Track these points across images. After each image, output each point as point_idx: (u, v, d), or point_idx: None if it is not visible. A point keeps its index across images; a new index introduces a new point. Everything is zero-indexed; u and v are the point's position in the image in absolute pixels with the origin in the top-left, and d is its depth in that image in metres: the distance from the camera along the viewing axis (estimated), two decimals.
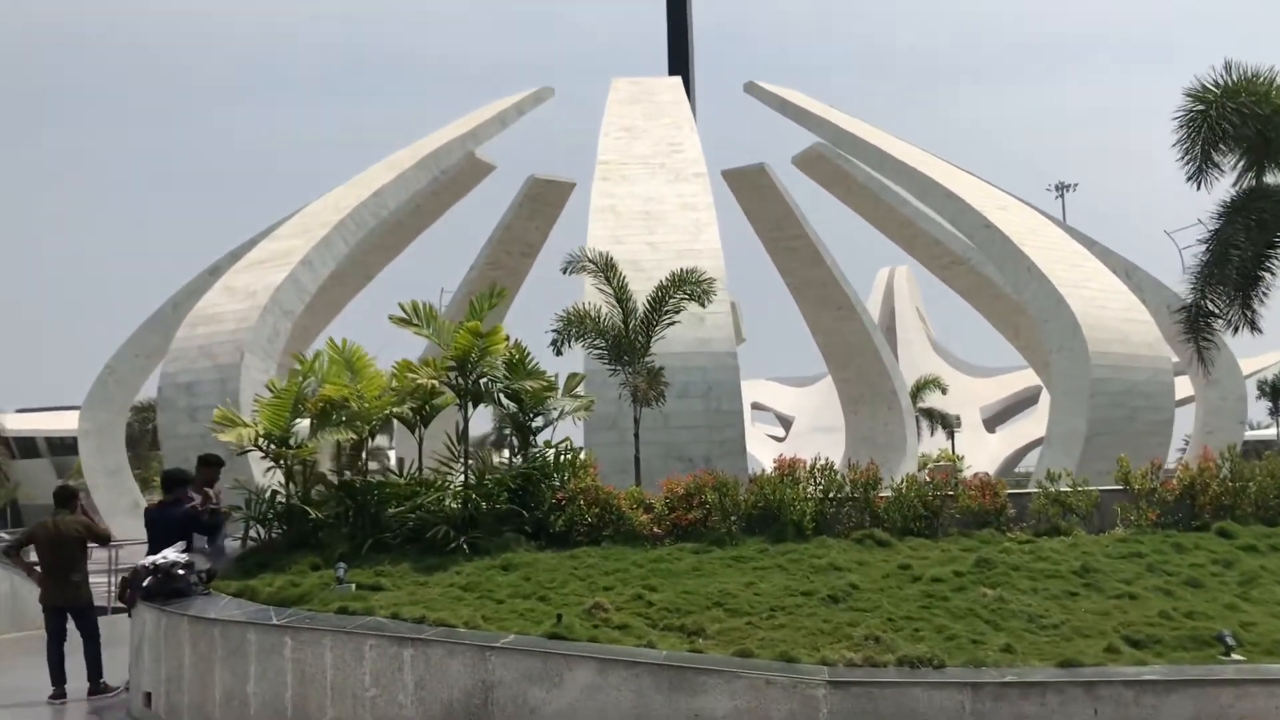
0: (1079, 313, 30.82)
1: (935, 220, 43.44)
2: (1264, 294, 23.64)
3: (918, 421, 50.36)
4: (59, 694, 16.13)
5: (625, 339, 20.05)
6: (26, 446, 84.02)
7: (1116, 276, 33.86)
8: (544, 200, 47.77)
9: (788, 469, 17.06)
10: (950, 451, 59.68)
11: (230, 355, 31.82)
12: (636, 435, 20.37)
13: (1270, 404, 58.18)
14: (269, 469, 16.54)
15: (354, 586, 14.26)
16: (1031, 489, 17.90)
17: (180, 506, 15.83)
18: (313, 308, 40.54)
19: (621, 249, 25.11)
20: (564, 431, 18.88)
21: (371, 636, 12.30)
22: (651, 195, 31.42)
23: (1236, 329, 23.94)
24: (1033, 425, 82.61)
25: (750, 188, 44.58)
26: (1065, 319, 30.97)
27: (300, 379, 16.21)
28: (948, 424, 60.80)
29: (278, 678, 12.52)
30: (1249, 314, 23.49)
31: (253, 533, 16.11)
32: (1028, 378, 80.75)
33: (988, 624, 13.20)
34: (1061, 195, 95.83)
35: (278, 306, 33.31)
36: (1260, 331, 24.47)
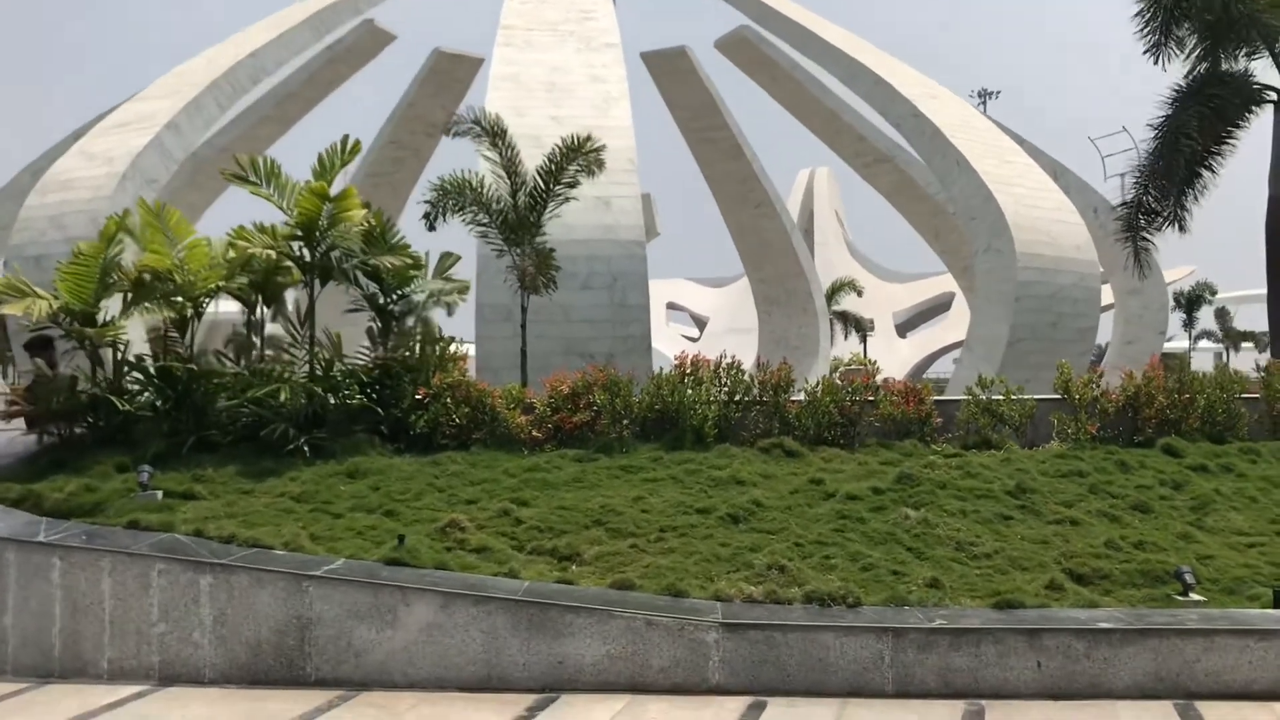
0: (1008, 211, 28.91)
1: (860, 115, 41.30)
2: (1199, 193, 22.12)
3: (831, 325, 48.84)
4: None
5: (514, 216, 17.51)
6: None
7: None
8: (450, 76, 44.48)
9: (689, 368, 14.93)
10: (862, 355, 58.44)
11: (84, 227, 28.36)
12: (524, 326, 17.99)
13: (1184, 316, 57.66)
14: (68, 350, 13.88)
15: (160, 494, 11.85)
16: (959, 396, 15.99)
17: None
18: (199, 184, 36.86)
19: (522, 122, 22.38)
20: (456, 326, 16.44)
21: (161, 560, 9.91)
22: (558, 65, 28.51)
23: (1172, 224, 22.35)
24: (944, 331, 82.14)
25: (670, 72, 41.82)
26: (993, 217, 29.07)
27: (107, 244, 13.45)
28: (861, 328, 59.36)
29: (43, 608, 10.10)
30: (1181, 213, 21.96)
31: (52, 428, 13.52)
32: (941, 284, 79.83)
33: (910, 551, 11.28)
34: (984, 103, 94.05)
35: (139, 174, 29.85)
36: (1186, 232, 23.12)
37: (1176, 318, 57.37)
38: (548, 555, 10.98)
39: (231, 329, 16.52)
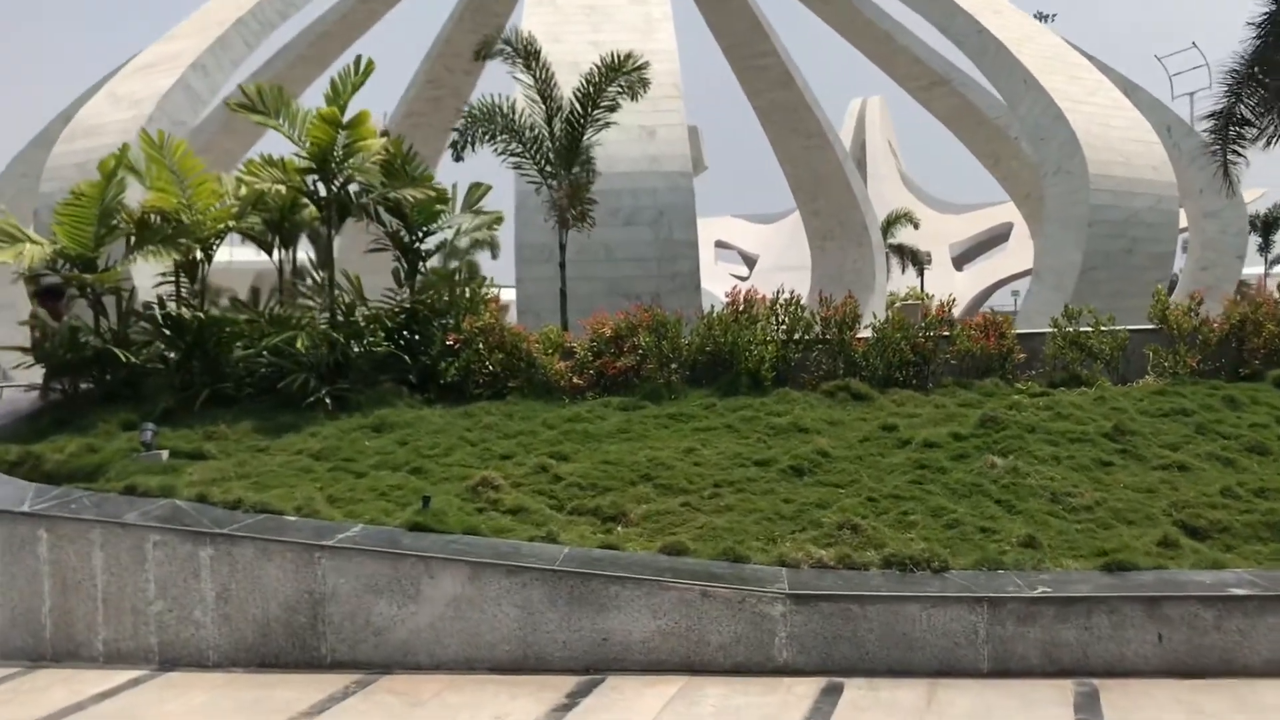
0: (1079, 130, 27.12)
1: (915, 36, 39.28)
2: None
3: (887, 258, 47.09)
4: None
5: (550, 144, 16.16)
6: None
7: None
8: (488, 10, 42.93)
9: (743, 305, 13.61)
10: (919, 290, 56.61)
11: None
12: (563, 265, 16.72)
13: (1260, 239, 54.87)
14: (70, 297, 12.83)
15: (165, 454, 10.80)
16: (1042, 329, 14.53)
17: None
18: (233, 128, 36.04)
19: (559, 49, 20.94)
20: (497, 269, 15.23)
21: (156, 530, 8.84)
22: None
23: (1270, 141, 20.37)
24: (1002, 263, 79.86)
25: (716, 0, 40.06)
26: (1063, 137, 27.28)
27: (107, 182, 12.31)
28: (918, 261, 57.30)
29: (31, 585, 9.10)
30: None
31: (56, 383, 12.52)
32: (999, 214, 77.45)
33: (1000, 505, 9.97)
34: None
35: (165, 116, 28.74)
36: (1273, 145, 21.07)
37: (1252, 241, 54.67)
38: (590, 516, 9.80)
39: (255, 277, 15.47)
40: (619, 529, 9.52)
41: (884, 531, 9.28)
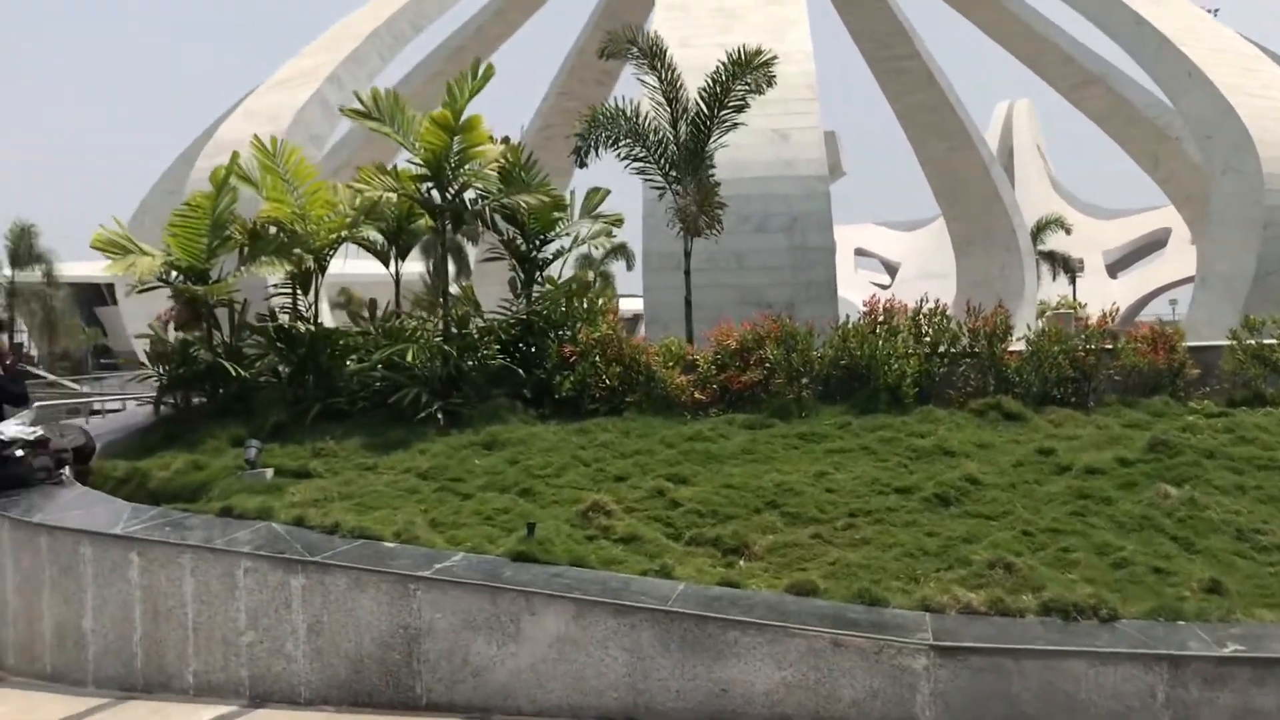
0: (1251, 125, 25.09)
1: (1065, 33, 37.37)
2: None
3: (1036, 265, 44.93)
4: None
5: (675, 148, 15.37)
6: (94, 293, 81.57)
7: None
8: (622, 19, 42.55)
9: (882, 315, 12.59)
10: (1071, 298, 54.01)
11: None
12: (688, 272, 15.90)
13: None
14: (169, 313, 12.52)
15: (270, 473, 10.37)
16: (1219, 341, 13.11)
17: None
18: (375, 142, 36.74)
19: (688, 53, 20.16)
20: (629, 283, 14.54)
21: (247, 556, 8.33)
22: None
23: None
24: (1159, 270, 76.17)
25: (855, 1, 38.84)
26: (1233, 133, 25.28)
27: (219, 192, 12.01)
28: (1070, 268, 54.65)
29: (122, 611, 8.70)
30: None
31: (168, 399, 12.27)
32: (1156, 219, 73.84)
33: (1176, 542, 8.76)
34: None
35: (303, 130, 29.06)
36: None
37: None
38: (709, 546, 8.94)
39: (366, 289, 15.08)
40: (741, 563, 8.64)
41: (1042, 571, 8.19)
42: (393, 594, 8.07)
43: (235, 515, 9.07)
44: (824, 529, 9.12)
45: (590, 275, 13.25)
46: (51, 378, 31.37)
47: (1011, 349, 12.12)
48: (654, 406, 11.86)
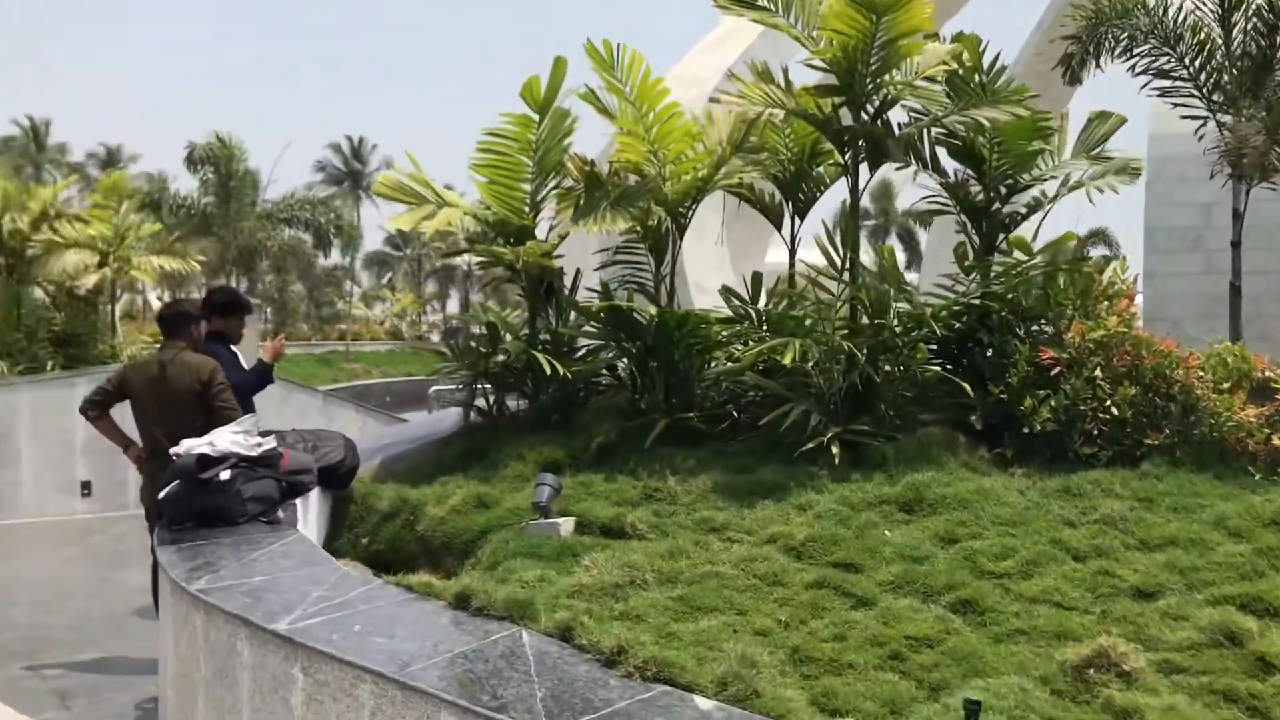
0: None
1: None
2: None
3: None
4: None
5: (1227, 60, 10.21)
6: None
7: None
8: None
9: None
10: None
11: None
12: (1236, 244, 10.63)
13: None
14: (487, 286, 9.30)
15: (568, 525, 6.78)
16: None
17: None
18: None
19: None
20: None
21: (451, 708, 4.65)
22: None
23: None
24: None
25: None
26: None
27: (541, 116, 8.55)
28: None
29: None
30: None
31: (479, 402, 9.07)
32: None
33: None
34: None
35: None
36: None
37: None
38: None
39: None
40: None
41: None
42: None
43: (475, 608, 5.47)
44: None
45: (1080, 239, 8.67)
46: None
47: None
48: (1197, 457, 7.00)
